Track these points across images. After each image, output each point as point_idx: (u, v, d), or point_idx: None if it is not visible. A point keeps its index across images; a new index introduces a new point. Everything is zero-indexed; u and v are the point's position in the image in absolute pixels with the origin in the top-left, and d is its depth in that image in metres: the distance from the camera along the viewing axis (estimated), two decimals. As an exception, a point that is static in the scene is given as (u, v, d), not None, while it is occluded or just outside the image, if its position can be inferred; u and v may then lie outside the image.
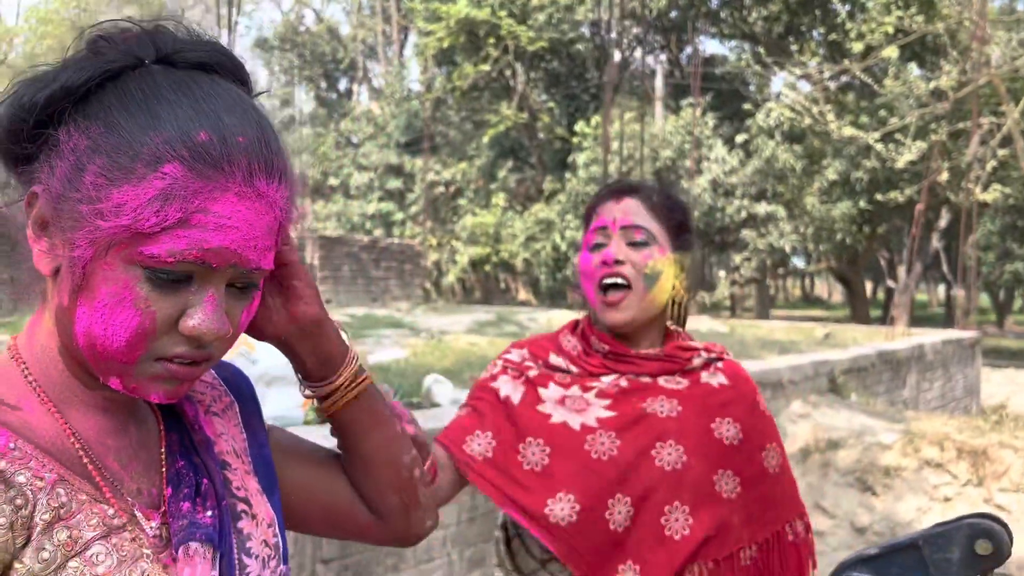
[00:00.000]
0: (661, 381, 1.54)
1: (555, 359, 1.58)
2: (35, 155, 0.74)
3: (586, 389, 1.53)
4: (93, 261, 0.70)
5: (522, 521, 1.46)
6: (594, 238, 1.55)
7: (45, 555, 0.68)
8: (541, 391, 1.53)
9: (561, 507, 1.43)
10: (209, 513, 0.80)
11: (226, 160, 0.70)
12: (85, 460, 0.74)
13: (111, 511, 0.73)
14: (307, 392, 0.95)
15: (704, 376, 1.58)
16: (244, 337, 3.11)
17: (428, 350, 7.29)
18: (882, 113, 17.73)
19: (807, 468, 6.09)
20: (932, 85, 16.54)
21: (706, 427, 1.52)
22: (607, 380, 1.54)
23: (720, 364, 1.62)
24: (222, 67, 0.79)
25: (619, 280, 1.50)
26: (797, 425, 6.40)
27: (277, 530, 0.87)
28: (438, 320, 11.13)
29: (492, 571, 4.04)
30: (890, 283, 15.02)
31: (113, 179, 0.70)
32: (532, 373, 1.56)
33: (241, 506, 0.84)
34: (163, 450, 0.83)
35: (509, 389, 1.54)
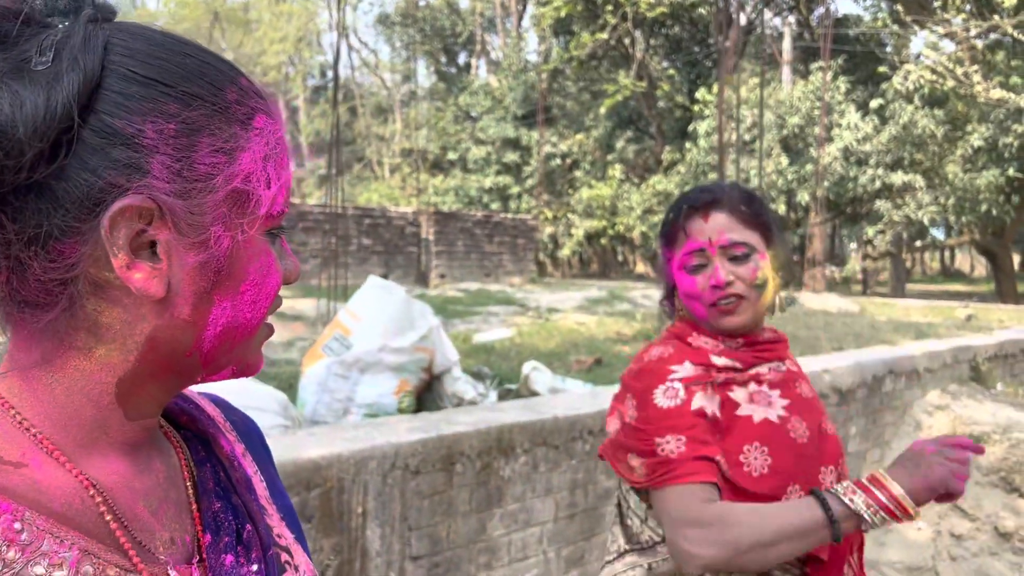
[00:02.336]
0: (788, 365, 1.61)
1: (720, 360, 1.55)
2: (66, 175, 0.57)
3: (759, 383, 1.54)
4: (236, 247, 0.64)
5: None
6: (691, 260, 1.55)
7: None
8: (732, 396, 1.52)
9: (792, 499, 1.45)
10: (255, 568, 0.70)
11: (263, 96, 0.67)
12: (109, 518, 0.62)
13: None
14: None
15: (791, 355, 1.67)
16: (340, 320, 2.98)
17: (534, 330, 7.13)
18: (1037, 72, 16.26)
19: (944, 465, 5.61)
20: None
21: (821, 401, 1.63)
22: (763, 370, 1.56)
23: None
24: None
25: (732, 299, 1.53)
26: (933, 417, 5.89)
27: None
28: (549, 296, 10.97)
29: (592, 570, 3.86)
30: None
31: (231, 151, 0.62)
32: (718, 382, 1.52)
33: (284, 556, 0.74)
34: (188, 485, 0.72)
35: (708, 403, 1.48)
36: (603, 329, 7.43)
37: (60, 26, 0.59)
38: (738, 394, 1.51)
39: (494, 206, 24.21)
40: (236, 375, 0.70)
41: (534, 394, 4.26)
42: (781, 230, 1.64)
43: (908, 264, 36.69)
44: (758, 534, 1.35)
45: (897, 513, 1.34)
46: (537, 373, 4.26)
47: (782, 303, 1.65)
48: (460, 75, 34.79)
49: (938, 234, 24.56)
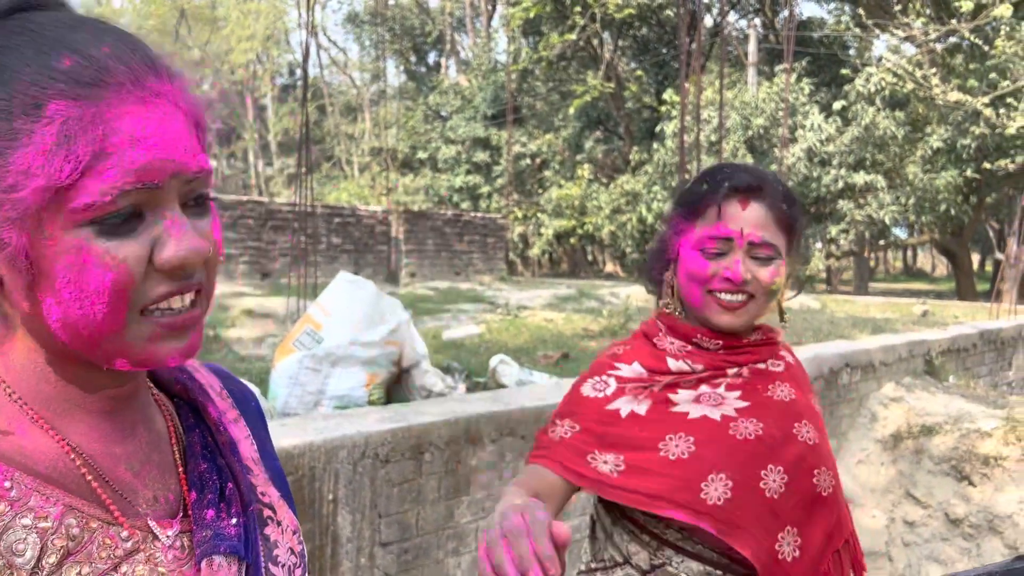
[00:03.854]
0: (769, 365, 1.54)
1: (675, 364, 1.51)
2: None
3: (715, 385, 1.49)
4: (32, 247, 0.62)
5: (677, 515, 1.39)
6: (713, 245, 1.44)
7: None
8: (672, 397, 1.48)
9: (715, 487, 1.38)
10: (234, 521, 0.75)
11: (104, 72, 0.62)
12: (90, 478, 0.68)
13: (124, 534, 0.68)
14: None
15: (785, 356, 1.60)
16: (310, 315, 3.08)
17: (503, 327, 7.24)
18: (992, 76, 16.65)
19: (898, 454, 5.79)
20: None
21: (812, 403, 1.56)
22: (731, 372, 1.51)
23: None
24: (43, 3, 0.68)
25: (741, 297, 1.45)
26: (889, 409, 6.09)
27: (301, 537, 0.83)
28: (518, 295, 11.08)
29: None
30: (999, 255, 14.12)
31: (3, 149, 0.60)
32: (658, 388, 1.49)
33: (267, 512, 0.79)
34: (175, 449, 0.77)
35: (632, 406, 1.47)
36: (570, 325, 7.55)
37: None
38: (682, 395, 1.47)
39: (464, 205, 24.26)
40: (137, 366, 0.68)
41: (501, 386, 4.36)
42: (804, 240, 1.57)
43: (872, 263, 37.28)
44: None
45: None
46: (504, 366, 4.37)
47: (783, 312, 1.59)
48: (430, 74, 34.77)
49: (900, 233, 25.01)
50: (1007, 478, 5.39)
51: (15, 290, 0.65)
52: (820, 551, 1.43)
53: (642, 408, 1.45)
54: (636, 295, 10.41)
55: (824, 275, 23.78)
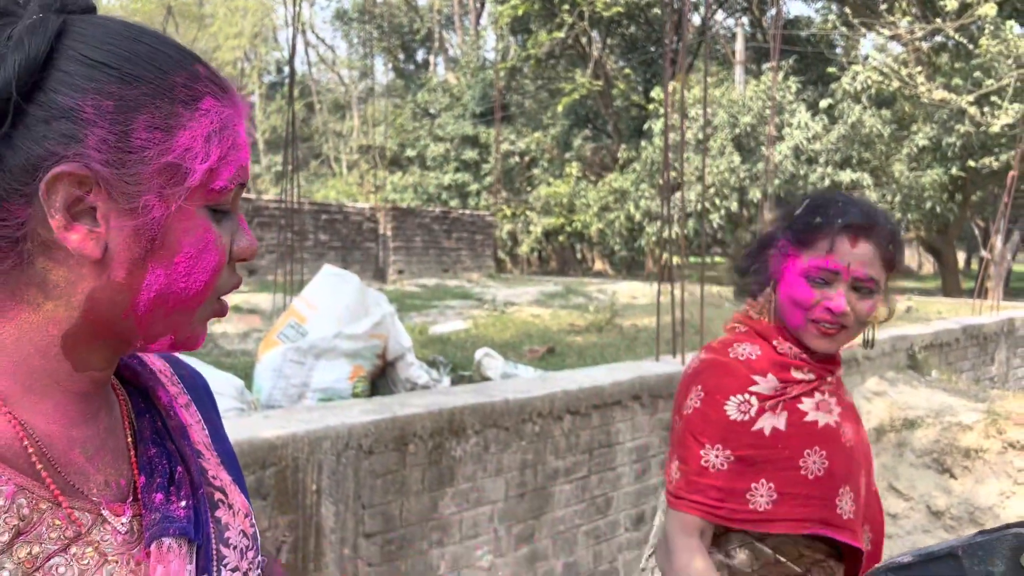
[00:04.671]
0: (839, 374, 1.70)
1: (798, 374, 1.61)
2: (11, 142, 0.64)
3: (823, 392, 1.62)
4: (167, 217, 0.69)
5: (823, 532, 1.52)
6: (819, 275, 1.55)
7: (4, 574, 0.64)
8: (800, 407, 1.58)
9: (845, 501, 1.54)
10: (183, 504, 0.76)
11: (226, 87, 0.73)
12: (36, 463, 0.69)
13: (72, 516, 0.69)
14: None
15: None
16: (295, 308, 3.09)
17: (490, 322, 7.25)
18: (977, 75, 16.76)
19: (881, 448, 5.84)
20: (1033, 43, 15.52)
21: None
22: (829, 380, 1.65)
23: None
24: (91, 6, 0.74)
25: (837, 327, 1.56)
26: (872, 403, 6.13)
27: (253, 520, 0.84)
28: (506, 291, 11.09)
29: (542, 547, 3.99)
30: (984, 253, 14.21)
31: (168, 129, 0.68)
32: (792, 394, 1.59)
33: (218, 495, 0.80)
34: (129, 436, 0.78)
35: (772, 421, 1.56)
36: (557, 321, 7.57)
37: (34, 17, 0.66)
38: (807, 404, 1.58)
39: (452, 203, 24.25)
40: (175, 347, 0.74)
41: (486, 379, 4.37)
42: (903, 274, 1.68)
43: (858, 261, 37.26)
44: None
45: None
46: (489, 359, 4.38)
47: (872, 341, 1.68)
48: (418, 72, 34.74)
49: (886, 232, 25.09)
50: (988, 471, 5.45)
51: (121, 261, 0.68)
52: (880, 539, 1.65)
53: (781, 422, 1.55)
54: (623, 292, 10.45)
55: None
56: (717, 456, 1.54)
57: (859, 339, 1.67)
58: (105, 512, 0.71)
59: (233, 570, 0.77)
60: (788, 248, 1.60)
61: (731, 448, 1.53)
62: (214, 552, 0.76)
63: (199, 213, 0.70)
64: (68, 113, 0.65)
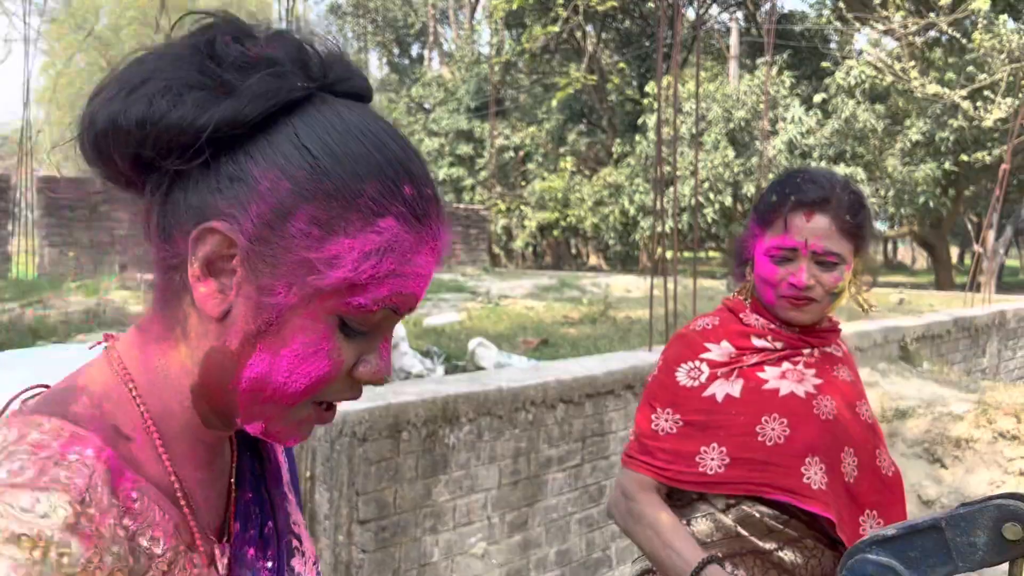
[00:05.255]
0: (832, 349, 1.70)
1: (759, 342, 1.64)
2: (188, 178, 0.67)
3: (795, 362, 1.63)
4: (291, 309, 0.67)
5: (786, 499, 1.51)
6: (780, 253, 1.58)
7: None
8: (760, 375, 1.60)
9: (814, 471, 1.52)
10: (270, 564, 0.78)
11: (425, 215, 0.69)
12: (183, 504, 0.70)
13: (197, 559, 0.70)
14: None
15: (842, 343, 1.76)
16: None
17: (484, 314, 7.27)
18: (970, 70, 16.82)
19: (872, 438, 5.89)
20: (1026, 38, 15.58)
21: (862, 387, 1.72)
22: (806, 352, 1.65)
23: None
24: (365, 92, 0.74)
25: (805, 300, 1.59)
26: (863, 394, 6.18)
27: (318, 568, 0.86)
28: (500, 284, 11.11)
29: (535, 535, 4.02)
30: (976, 248, 14.25)
31: (329, 229, 0.66)
32: (749, 362, 1.62)
33: (295, 543, 0.82)
34: (233, 480, 0.79)
35: (726, 388, 1.58)
36: (551, 313, 7.60)
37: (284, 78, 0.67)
38: (769, 372, 1.60)
39: (448, 198, 24.25)
40: (266, 435, 0.72)
41: (480, 369, 4.39)
42: (875, 238, 1.70)
43: (852, 256, 37.37)
44: (641, 541, 1.57)
45: None
46: (483, 349, 4.40)
47: (867, 305, 1.73)
48: (413, 66, 34.69)
49: (881, 226, 25.23)
50: (978, 460, 5.49)
51: (238, 330, 0.67)
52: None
53: (736, 389, 1.58)
54: (616, 285, 10.48)
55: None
56: (667, 420, 1.59)
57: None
58: (217, 554, 0.72)
59: None
60: (755, 229, 1.63)
61: (681, 413, 1.58)
62: None
63: (325, 319, 0.67)
64: (249, 180, 0.66)
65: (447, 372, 4.47)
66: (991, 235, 21.09)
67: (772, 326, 1.64)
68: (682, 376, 1.62)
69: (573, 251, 30.82)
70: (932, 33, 18.27)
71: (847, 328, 6.74)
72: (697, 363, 1.62)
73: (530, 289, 10.53)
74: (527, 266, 25.63)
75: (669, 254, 6.25)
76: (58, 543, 0.57)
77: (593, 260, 29.99)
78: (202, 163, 0.66)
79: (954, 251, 29.47)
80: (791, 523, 1.54)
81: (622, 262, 23.20)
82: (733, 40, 21.75)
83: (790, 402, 1.57)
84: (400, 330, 4.22)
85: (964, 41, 16.61)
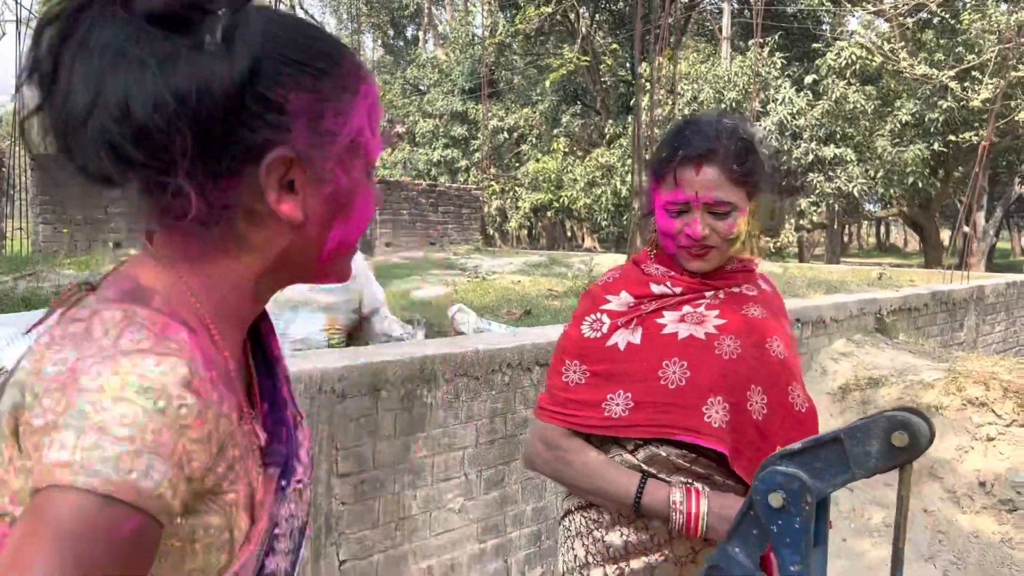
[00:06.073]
0: (743, 289, 1.72)
1: (657, 288, 1.69)
2: (235, 131, 0.76)
3: (695, 305, 1.67)
4: (347, 185, 0.85)
5: (688, 438, 1.56)
6: (675, 206, 1.62)
7: (220, 470, 0.76)
8: (659, 321, 1.65)
9: (715, 411, 1.56)
10: (284, 430, 0.91)
11: (365, 65, 0.88)
12: (236, 381, 0.82)
13: (247, 430, 0.82)
14: None
15: (761, 283, 1.78)
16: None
17: (471, 288, 7.40)
18: (959, 51, 16.90)
19: (846, 405, 6.03)
20: (1015, 18, 15.66)
21: (782, 325, 1.72)
22: (709, 295, 1.68)
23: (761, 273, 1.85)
24: None
25: (703, 248, 1.63)
26: (839, 363, 6.32)
27: (310, 442, 0.99)
28: (491, 262, 11.23)
29: (511, 492, 4.17)
30: (965, 229, 14.43)
31: (346, 113, 0.83)
32: (646, 310, 1.66)
33: (298, 417, 0.96)
34: (251, 362, 0.93)
35: (628, 337, 1.64)
36: (536, 287, 7.73)
37: (220, 12, 0.76)
38: (667, 317, 1.65)
39: (442, 179, 24.31)
40: (335, 280, 0.92)
41: (459, 334, 4.53)
42: (770, 180, 1.68)
43: (845, 238, 37.64)
44: (578, 480, 1.64)
45: (689, 528, 1.53)
46: (462, 315, 4.53)
47: (761, 249, 1.77)
48: (408, 48, 34.63)
49: (874, 207, 25.32)
50: (947, 426, 5.64)
51: (314, 222, 0.83)
52: None
53: (636, 337, 1.64)
54: (605, 263, 10.60)
55: (796, 248, 24.09)
56: (575, 372, 1.66)
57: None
58: (257, 428, 0.85)
59: (298, 482, 0.91)
60: (652, 185, 1.68)
61: (587, 364, 1.65)
62: (291, 467, 0.89)
63: (363, 176, 0.86)
64: (276, 106, 0.78)
65: (428, 337, 4.61)
66: (981, 215, 21.22)
67: (671, 273, 1.70)
68: (586, 329, 1.68)
69: (568, 233, 30.90)
70: (923, 15, 18.33)
71: (823, 300, 6.85)
72: (598, 315, 1.68)
73: (519, 266, 10.66)
74: (521, 247, 25.71)
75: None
76: (177, 396, 0.70)
77: (588, 242, 30.09)
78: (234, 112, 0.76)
79: (946, 233, 29.60)
80: (698, 461, 1.59)
81: (616, 243, 23.31)
82: (725, 21, 21.77)
83: (690, 344, 1.61)
84: (380, 294, 4.36)
85: (954, 23, 16.67)
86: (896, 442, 1.30)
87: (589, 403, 1.62)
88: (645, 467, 1.60)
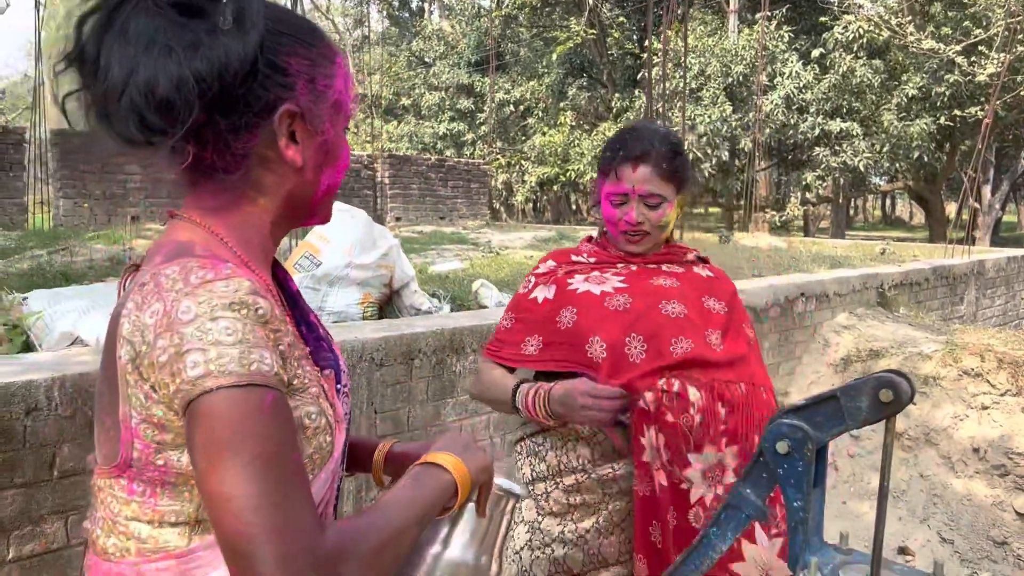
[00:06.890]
0: (663, 267, 2.07)
1: (577, 258, 2.11)
2: (252, 91, 0.95)
3: (604, 271, 2.04)
4: (334, 137, 1.05)
5: (574, 368, 1.90)
6: (616, 198, 1.98)
7: (294, 361, 0.96)
8: (570, 281, 2.03)
9: (595, 347, 1.91)
10: (324, 344, 1.12)
11: (336, 48, 1.09)
12: (279, 312, 0.96)
13: (301, 344, 1.01)
14: None
15: (695, 268, 2.11)
16: (308, 242, 3.59)
17: (485, 263, 7.64)
18: (967, 24, 16.94)
19: (847, 376, 6.29)
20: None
21: (699, 298, 2.01)
22: (620, 266, 2.06)
23: (707, 263, 2.15)
24: None
25: (639, 233, 2.00)
26: (840, 336, 6.57)
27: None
28: (501, 236, 11.45)
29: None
30: (972, 203, 14.46)
31: (331, 77, 1.03)
32: (561, 272, 2.06)
33: (331, 337, 1.17)
34: (281, 296, 1.10)
35: (544, 293, 2.03)
36: (549, 261, 7.95)
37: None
38: (577, 279, 2.02)
39: (448, 153, 24.43)
40: (321, 222, 1.12)
41: (482, 307, 4.79)
42: (693, 179, 2.08)
43: (851, 212, 37.69)
44: (485, 392, 2.03)
45: (527, 406, 1.90)
46: (485, 289, 4.79)
47: (672, 236, 2.13)
48: (413, 20, 34.54)
49: (880, 181, 25.40)
50: (944, 396, 5.90)
51: (311, 167, 1.03)
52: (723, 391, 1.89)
53: (550, 292, 2.02)
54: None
55: (802, 221, 24.23)
56: (507, 320, 2.07)
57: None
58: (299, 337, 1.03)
59: (344, 385, 1.12)
60: (599, 178, 2.05)
61: (516, 313, 2.06)
62: (340, 370, 1.11)
63: (343, 132, 1.06)
64: (282, 69, 0.98)
65: (453, 310, 4.87)
66: (987, 189, 21.34)
67: (596, 249, 2.10)
68: (520, 288, 2.11)
69: (573, 207, 31.03)
70: (931, -12, 18.33)
71: (826, 275, 7.05)
72: (530, 278, 2.10)
73: (530, 241, 10.88)
74: (527, 221, 25.85)
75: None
76: (252, 303, 0.89)
77: (593, 216, 30.20)
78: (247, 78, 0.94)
79: (952, 207, 29.70)
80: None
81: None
82: (733, -6, 21.73)
83: (584, 297, 1.98)
84: (410, 270, 4.62)
85: (962, -4, 16.69)
86: (883, 398, 1.52)
87: (511, 343, 2.02)
88: None
